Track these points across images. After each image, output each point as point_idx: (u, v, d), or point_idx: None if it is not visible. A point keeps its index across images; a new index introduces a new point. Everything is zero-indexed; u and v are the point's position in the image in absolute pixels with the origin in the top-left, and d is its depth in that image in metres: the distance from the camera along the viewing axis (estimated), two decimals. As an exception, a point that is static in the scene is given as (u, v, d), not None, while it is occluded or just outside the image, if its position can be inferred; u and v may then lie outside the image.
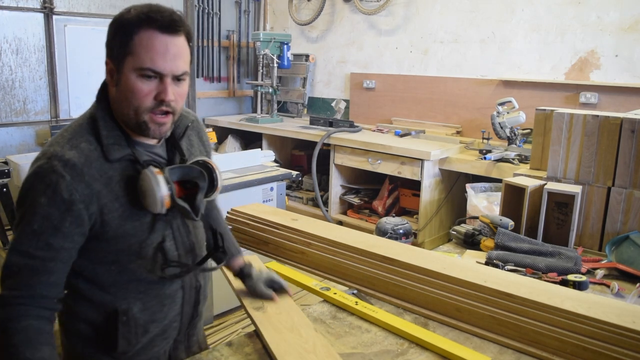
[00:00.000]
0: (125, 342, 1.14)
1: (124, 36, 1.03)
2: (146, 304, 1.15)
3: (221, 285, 2.02)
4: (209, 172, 1.16)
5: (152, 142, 1.15)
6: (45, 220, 1.00)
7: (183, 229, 1.21)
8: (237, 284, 1.48)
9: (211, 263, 1.27)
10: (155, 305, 1.17)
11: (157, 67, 1.02)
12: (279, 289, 1.42)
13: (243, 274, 1.42)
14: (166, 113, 1.07)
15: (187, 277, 1.23)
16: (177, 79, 1.07)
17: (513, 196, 2.00)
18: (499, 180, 2.88)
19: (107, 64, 1.08)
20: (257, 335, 1.30)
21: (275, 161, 3.52)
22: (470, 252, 1.85)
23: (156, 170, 1.07)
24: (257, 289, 1.39)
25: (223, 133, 5.15)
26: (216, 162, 1.20)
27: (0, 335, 0.99)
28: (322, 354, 1.18)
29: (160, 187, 1.05)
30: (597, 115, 1.98)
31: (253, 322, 1.35)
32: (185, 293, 1.24)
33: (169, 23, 1.02)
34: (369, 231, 2.90)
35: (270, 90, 4.88)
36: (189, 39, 1.08)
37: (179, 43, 1.05)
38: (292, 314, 1.35)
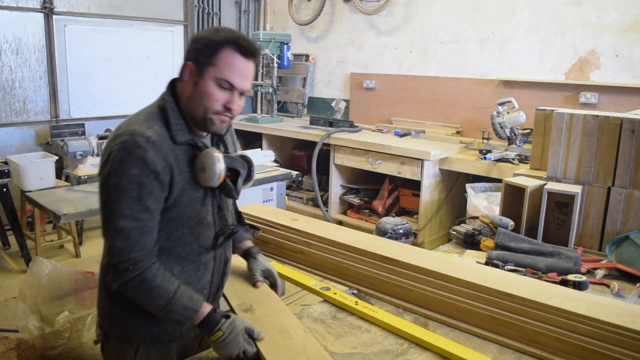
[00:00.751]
0: None
1: (212, 50, 1.25)
2: (184, 267, 1.32)
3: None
4: (248, 164, 1.40)
5: (204, 134, 1.35)
6: (140, 187, 1.18)
7: (221, 208, 1.40)
8: (230, 293, 1.48)
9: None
10: (191, 270, 1.34)
11: (233, 81, 1.26)
12: (271, 284, 1.53)
13: (250, 253, 1.57)
14: (227, 117, 1.30)
15: (219, 250, 1.40)
16: (242, 94, 1.29)
17: (513, 196, 2.00)
18: (499, 180, 2.88)
19: (187, 66, 1.28)
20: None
21: (275, 161, 3.52)
22: (470, 252, 1.85)
23: (216, 150, 1.28)
24: (253, 270, 1.53)
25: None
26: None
27: (142, 286, 1.21)
28: (312, 355, 1.17)
29: (220, 163, 1.26)
30: (597, 115, 1.98)
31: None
32: (216, 263, 1.40)
33: (251, 51, 1.26)
34: (369, 231, 2.90)
35: (270, 90, 4.88)
36: (257, 65, 1.36)
37: (251, 67, 1.29)
38: (280, 315, 1.34)
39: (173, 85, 1.34)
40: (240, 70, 1.26)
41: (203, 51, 1.26)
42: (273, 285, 1.53)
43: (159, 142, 1.22)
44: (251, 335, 1.23)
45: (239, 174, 1.36)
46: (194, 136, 1.31)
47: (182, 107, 1.31)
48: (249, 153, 3.28)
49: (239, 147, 1.63)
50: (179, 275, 1.31)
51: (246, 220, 1.53)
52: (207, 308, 1.25)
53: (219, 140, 1.43)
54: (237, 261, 1.59)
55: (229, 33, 1.27)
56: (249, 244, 1.60)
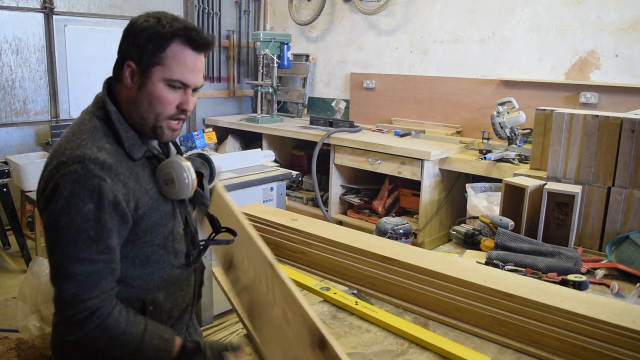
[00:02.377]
0: None
1: (156, 47, 1.08)
2: (169, 290, 1.21)
3: (221, 285, 2.02)
4: (208, 162, 1.29)
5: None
6: (98, 224, 1.02)
7: (188, 219, 1.28)
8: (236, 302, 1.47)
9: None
10: (176, 291, 1.24)
11: (186, 80, 1.10)
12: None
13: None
14: (180, 120, 1.16)
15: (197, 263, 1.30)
16: (194, 90, 1.16)
17: (513, 196, 2.00)
18: (499, 180, 2.88)
19: (128, 65, 1.11)
20: (249, 338, 1.31)
21: (275, 161, 3.52)
22: (470, 252, 1.85)
23: (183, 158, 1.15)
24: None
25: (223, 133, 5.15)
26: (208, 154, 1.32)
27: (105, 335, 1.05)
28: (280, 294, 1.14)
29: (191, 172, 1.14)
30: (597, 115, 1.98)
31: (245, 324, 1.34)
32: (196, 275, 1.32)
33: (204, 44, 1.11)
34: (369, 231, 2.90)
35: (270, 90, 4.88)
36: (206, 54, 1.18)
37: (202, 60, 1.15)
38: (254, 261, 1.31)
39: (109, 87, 1.17)
40: (193, 67, 1.10)
41: (146, 48, 1.08)
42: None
43: (115, 165, 1.05)
44: (231, 349, 1.14)
45: (202, 175, 1.25)
46: (149, 146, 1.16)
47: (124, 113, 1.13)
48: (249, 153, 3.29)
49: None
50: (165, 300, 1.20)
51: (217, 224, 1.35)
52: (177, 344, 1.12)
53: (166, 143, 1.27)
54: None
55: (175, 24, 1.09)
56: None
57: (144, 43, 1.09)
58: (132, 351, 1.07)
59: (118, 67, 1.14)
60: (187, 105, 1.13)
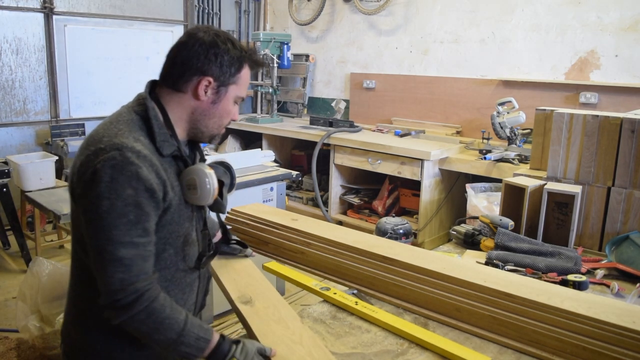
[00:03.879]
0: None
1: (236, 69, 1.21)
2: (170, 292, 1.22)
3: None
4: (230, 171, 1.35)
5: (183, 139, 1.27)
6: (137, 208, 1.07)
7: (203, 222, 1.33)
8: (231, 286, 1.48)
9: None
10: (177, 294, 1.25)
11: (245, 96, 1.26)
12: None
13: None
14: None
15: (203, 269, 1.32)
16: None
17: (513, 196, 2.00)
18: (499, 180, 2.88)
19: (206, 80, 1.19)
20: (246, 330, 1.31)
21: (275, 161, 3.52)
22: (470, 252, 1.85)
23: (207, 166, 1.21)
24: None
25: (223, 133, 5.14)
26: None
27: (150, 318, 1.08)
28: (308, 345, 1.18)
29: (213, 179, 1.19)
30: (597, 115, 1.98)
31: (241, 316, 1.35)
32: (200, 282, 1.33)
33: (260, 65, 1.27)
34: (369, 231, 2.90)
35: (270, 90, 4.88)
36: None
37: None
38: (279, 307, 1.35)
39: (153, 88, 1.24)
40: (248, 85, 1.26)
41: (229, 69, 1.20)
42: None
43: (149, 156, 1.11)
44: (264, 355, 1.14)
45: (223, 183, 1.29)
46: (180, 145, 1.22)
47: (173, 117, 1.20)
48: (249, 153, 3.29)
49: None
50: None
51: (234, 237, 1.47)
52: (216, 336, 1.15)
53: (194, 147, 1.33)
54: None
55: (245, 47, 1.23)
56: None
57: (227, 65, 1.20)
58: (174, 337, 1.10)
59: (183, 77, 1.20)
60: (236, 116, 1.27)
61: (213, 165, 1.30)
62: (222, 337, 1.16)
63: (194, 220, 1.26)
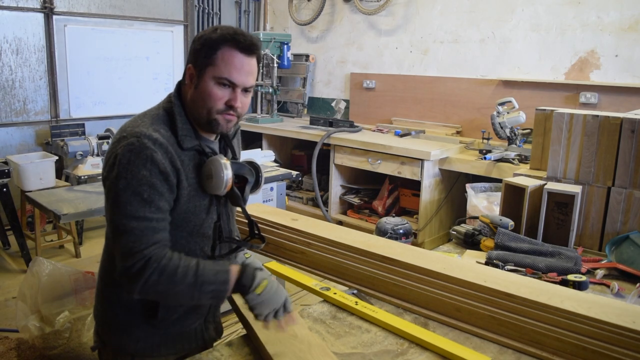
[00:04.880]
0: (164, 310, 1.30)
1: (209, 50, 1.23)
2: None
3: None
4: (256, 171, 1.38)
5: (211, 137, 1.34)
6: (151, 188, 1.16)
7: (226, 216, 1.38)
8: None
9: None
10: None
11: (232, 78, 1.24)
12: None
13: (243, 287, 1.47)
14: (231, 115, 1.28)
15: (221, 259, 1.36)
16: (245, 90, 1.28)
17: (513, 196, 2.00)
18: (499, 180, 2.88)
19: (188, 69, 1.27)
20: (249, 337, 1.30)
21: (275, 161, 3.52)
22: (470, 252, 1.85)
23: (224, 158, 1.26)
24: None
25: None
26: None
27: (163, 275, 1.14)
28: (317, 354, 1.18)
29: (228, 171, 1.24)
30: (597, 115, 1.98)
31: (245, 323, 1.35)
32: None
33: (248, 46, 1.24)
34: (369, 231, 2.90)
35: (270, 90, 4.88)
36: (259, 61, 1.31)
37: (252, 63, 1.27)
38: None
39: (179, 88, 1.33)
40: (240, 67, 1.24)
41: (201, 51, 1.24)
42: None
43: (165, 144, 1.20)
44: (285, 306, 1.21)
45: (247, 181, 1.34)
46: (201, 142, 1.29)
47: (187, 110, 1.29)
48: (249, 153, 3.29)
49: (240, 150, 1.62)
50: None
51: (255, 230, 1.44)
52: (235, 267, 1.20)
53: (226, 146, 1.40)
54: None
55: (226, 30, 1.25)
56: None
57: (200, 48, 1.25)
58: (192, 280, 1.15)
59: (184, 71, 1.30)
60: (234, 101, 1.25)
61: (240, 163, 1.35)
62: (244, 265, 1.21)
63: (213, 213, 1.31)
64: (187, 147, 1.25)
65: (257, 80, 5.31)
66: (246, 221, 1.43)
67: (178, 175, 1.21)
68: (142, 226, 1.15)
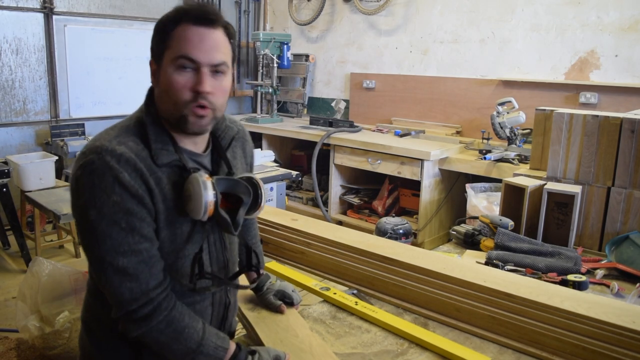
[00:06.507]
0: (149, 356, 1.13)
1: (163, 33, 1.05)
2: None
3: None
4: (254, 188, 1.14)
5: (199, 150, 1.14)
6: (129, 215, 0.98)
7: (219, 244, 1.18)
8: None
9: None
10: None
11: (191, 55, 1.02)
12: (289, 304, 1.38)
13: (257, 286, 1.41)
14: (202, 106, 1.05)
15: (217, 294, 1.20)
16: (215, 71, 1.06)
17: (513, 196, 2.00)
18: (499, 180, 2.88)
19: (150, 64, 1.09)
20: (250, 338, 1.30)
21: (275, 161, 3.53)
22: (470, 252, 1.85)
23: (205, 175, 1.05)
24: (265, 301, 1.39)
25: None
26: (261, 180, 1.18)
27: (169, 328, 1.02)
28: (318, 354, 1.18)
29: (208, 192, 1.02)
30: (597, 115, 1.98)
31: (246, 323, 1.35)
32: (214, 310, 1.21)
33: (201, 15, 1.03)
34: (369, 231, 2.90)
35: (270, 90, 4.88)
36: (230, 36, 1.09)
37: (216, 36, 1.05)
38: (287, 314, 1.35)
39: (152, 93, 1.12)
40: (199, 40, 1.02)
41: (155, 39, 1.06)
42: (290, 305, 1.37)
43: (133, 160, 0.99)
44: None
45: (242, 201, 1.11)
46: (182, 155, 1.08)
47: (162, 116, 1.08)
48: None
49: (252, 160, 1.38)
50: None
51: (253, 261, 1.27)
52: (232, 345, 1.10)
53: (219, 158, 1.18)
54: None
55: (177, 8, 1.05)
56: (253, 275, 1.39)
57: (153, 35, 1.07)
58: (194, 346, 1.04)
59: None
60: (200, 85, 1.02)
61: (233, 179, 1.12)
62: (239, 346, 1.11)
63: (197, 241, 1.10)
64: (163, 163, 1.04)
65: (256, 80, 5.28)
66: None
67: (151, 198, 1.01)
68: (132, 262, 0.98)
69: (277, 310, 1.36)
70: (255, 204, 1.14)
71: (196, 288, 1.10)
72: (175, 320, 1.03)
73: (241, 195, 1.11)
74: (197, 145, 1.13)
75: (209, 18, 1.04)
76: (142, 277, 1.00)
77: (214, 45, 1.04)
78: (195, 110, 1.05)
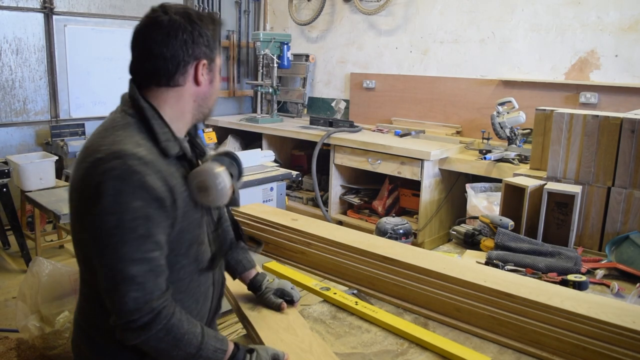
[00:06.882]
0: None
1: (217, 40, 1.14)
2: (184, 303, 1.16)
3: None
4: (236, 161, 1.24)
5: (182, 135, 1.19)
6: (147, 221, 0.99)
7: (212, 224, 1.25)
8: (235, 288, 1.48)
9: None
10: (192, 304, 1.19)
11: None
12: (289, 302, 1.40)
13: (254, 286, 1.43)
14: None
15: (217, 273, 1.27)
16: None
17: (513, 196, 2.00)
18: (499, 180, 2.88)
19: (199, 65, 1.12)
20: (250, 337, 1.30)
21: (275, 161, 3.52)
22: (470, 252, 1.85)
23: (217, 165, 1.12)
24: (265, 300, 1.40)
25: (223, 133, 5.15)
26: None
27: (169, 335, 1.03)
28: (318, 353, 1.18)
29: (226, 179, 1.11)
30: (597, 115, 1.98)
31: (247, 323, 1.35)
32: (215, 289, 1.27)
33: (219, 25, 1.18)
34: (369, 231, 2.90)
35: (270, 90, 4.88)
36: None
37: None
38: (287, 313, 1.35)
39: (139, 89, 1.12)
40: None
41: (213, 44, 1.14)
42: (289, 302, 1.40)
43: (154, 161, 1.02)
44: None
45: (232, 175, 1.19)
46: (182, 144, 1.14)
47: (171, 115, 1.12)
48: (249, 153, 3.29)
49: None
50: None
51: (247, 235, 1.38)
52: (231, 345, 1.12)
53: (193, 139, 1.25)
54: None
55: (210, 16, 1.15)
56: (251, 274, 1.43)
57: (212, 40, 1.14)
58: (194, 351, 1.05)
59: (179, 70, 1.10)
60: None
61: (219, 159, 1.20)
62: (237, 346, 1.12)
63: (204, 225, 1.19)
64: (171, 155, 1.09)
65: (256, 80, 5.28)
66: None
67: (172, 195, 1.05)
68: (142, 271, 0.99)
69: (278, 309, 1.37)
70: (239, 174, 1.25)
71: (213, 266, 1.20)
72: (174, 327, 1.04)
73: (231, 171, 1.18)
74: (181, 132, 1.18)
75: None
76: (147, 286, 1.00)
77: None
78: None
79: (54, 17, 4.22)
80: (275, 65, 4.82)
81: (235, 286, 1.48)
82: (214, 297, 1.27)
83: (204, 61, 1.13)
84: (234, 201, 1.20)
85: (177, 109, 1.13)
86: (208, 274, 1.22)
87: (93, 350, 1.17)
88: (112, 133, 1.05)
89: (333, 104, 4.68)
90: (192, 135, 1.24)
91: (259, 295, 1.42)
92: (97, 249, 1.00)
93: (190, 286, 1.17)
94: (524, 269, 1.63)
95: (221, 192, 1.10)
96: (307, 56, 5.21)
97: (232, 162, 1.22)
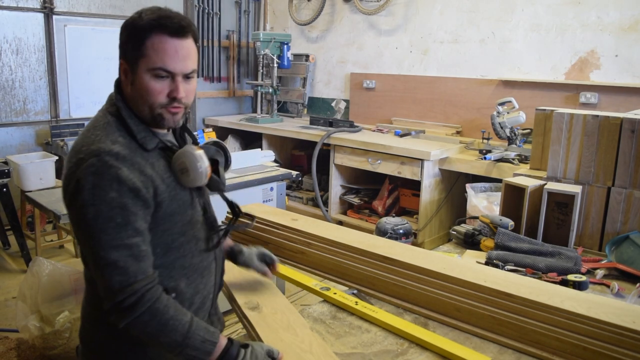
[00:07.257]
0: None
1: (136, 41, 1.13)
2: (190, 277, 1.24)
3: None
4: (223, 149, 1.32)
5: (164, 131, 1.25)
6: (123, 210, 1.07)
7: (208, 206, 1.33)
8: (235, 288, 1.49)
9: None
10: (197, 278, 1.26)
11: (168, 67, 1.13)
12: (270, 262, 1.49)
13: (234, 252, 1.49)
14: (176, 107, 1.18)
15: (217, 249, 1.34)
16: (187, 77, 1.18)
17: (513, 196, 2.00)
18: (499, 180, 2.88)
19: (121, 64, 1.18)
20: (250, 337, 1.30)
21: (275, 161, 3.52)
22: (470, 252, 1.85)
23: (195, 147, 1.19)
24: (251, 264, 1.47)
25: (223, 133, 5.15)
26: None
27: (154, 319, 1.08)
28: (318, 353, 1.18)
29: (204, 160, 1.18)
30: (597, 115, 1.98)
31: (247, 323, 1.35)
32: (217, 264, 1.35)
33: (177, 29, 1.13)
34: (369, 231, 2.90)
35: (270, 90, 4.88)
36: (196, 40, 1.20)
37: (187, 45, 1.16)
38: (287, 314, 1.35)
39: (119, 86, 1.21)
40: (174, 53, 1.13)
41: (128, 44, 1.14)
42: (271, 263, 1.48)
43: (129, 155, 1.10)
44: (273, 357, 1.14)
45: (218, 162, 1.29)
46: (161, 138, 1.21)
47: (132, 108, 1.19)
48: (249, 153, 3.29)
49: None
50: (186, 288, 1.23)
51: (237, 209, 1.45)
52: (223, 340, 1.14)
53: (182, 131, 1.32)
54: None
55: (150, 14, 1.13)
56: (228, 243, 1.51)
57: (126, 40, 1.15)
58: (179, 339, 1.09)
59: (119, 67, 1.20)
60: (176, 92, 1.15)
61: (204, 146, 1.28)
62: (230, 340, 1.14)
63: (196, 205, 1.26)
64: (151, 148, 1.16)
65: (256, 80, 5.29)
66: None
67: (153, 183, 1.12)
68: (123, 256, 1.06)
69: (264, 274, 1.47)
70: (227, 162, 1.33)
71: (210, 248, 1.29)
72: (159, 312, 1.08)
73: (217, 158, 1.29)
74: (158, 127, 1.23)
75: (183, 31, 1.14)
76: (130, 270, 1.06)
77: (186, 55, 1.16)
78: (170, 110, 1.18)
79: (54, 17, 4.22)
80: (275, 65, 4.82)
81: (235, 286, 1.48)
82: (217, 271, 1.35)
83: (122, 60, 1.17)
84: (217, 184, 1.27)
85: (133, 106, 1.19)
86: (211, 252, 1.30)
87: (96, 336, 1.24)
88: (93, 133, 1.14)
89: (333, 104, 4.68)
90: (185, 126, 1.31)
91: (242, 261, 1.47)
92: (83, 240, 1.09)
93: (193, 261, 1.24)
94: (524, 269, 1.63)
95: (199, 171, 1.17)
96: (307, 56, 5.21)
97: (219, 150, 1.31)
